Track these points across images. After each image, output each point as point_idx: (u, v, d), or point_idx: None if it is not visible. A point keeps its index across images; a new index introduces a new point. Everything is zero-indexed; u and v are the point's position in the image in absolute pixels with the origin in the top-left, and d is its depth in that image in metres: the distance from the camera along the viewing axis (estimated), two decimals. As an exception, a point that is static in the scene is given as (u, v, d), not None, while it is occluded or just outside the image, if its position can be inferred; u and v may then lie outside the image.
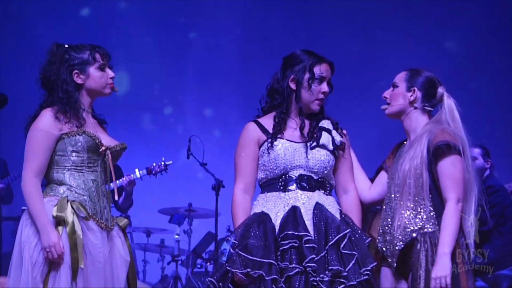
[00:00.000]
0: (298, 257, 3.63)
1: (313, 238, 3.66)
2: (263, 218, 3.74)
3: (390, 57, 8.62)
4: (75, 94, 3.86)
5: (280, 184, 3.82)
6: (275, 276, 3.59)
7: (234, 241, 3.68)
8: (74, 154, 3.80)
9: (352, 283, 3.61)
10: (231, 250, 3.69)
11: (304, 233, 3.65)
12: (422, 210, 3.74)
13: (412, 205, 3.75)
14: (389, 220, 3.83)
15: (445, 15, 8.82)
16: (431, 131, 3.77)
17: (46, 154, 3.79)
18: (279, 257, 3.65)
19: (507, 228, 6.14)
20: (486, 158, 6.72)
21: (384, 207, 3.89)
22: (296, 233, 3.65)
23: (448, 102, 3.89)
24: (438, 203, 3.73)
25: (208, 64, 9.06)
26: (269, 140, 3.82)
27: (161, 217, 7.56)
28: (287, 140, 3.82)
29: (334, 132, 3.85)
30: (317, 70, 3.85)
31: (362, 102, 8.73)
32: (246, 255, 3.62)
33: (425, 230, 3.72)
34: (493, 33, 8.71)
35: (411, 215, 3.75)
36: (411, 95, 3.87)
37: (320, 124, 3.86)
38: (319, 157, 3.80)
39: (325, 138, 3.82)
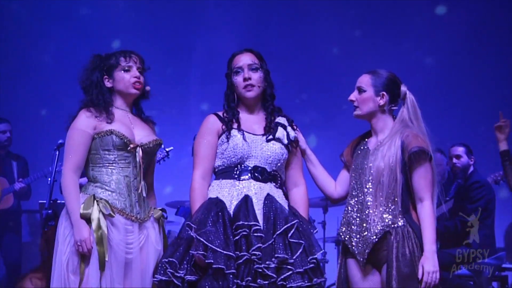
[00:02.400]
0: (246, 245, 3.72)
1: (261, 227, 3.74)
2: (220, 205, 3.81)
3: (385, 58, 8.73)
4: (105, 96, 4.03)
5: (235, 172, 3.91)
6: (233, 271, 3.68)
7: (193, 225, 3.74)
8: (105, 152, 3.98)
9: (298, 270, 3.70)
10: (191, 233, 3.75)
11: (254, 223, 3.74)
12: (393, 206, 3.86)
13: (384, 202, 3.86)
14: (355, 212, 3.93)
15: (428, 17, 8.91)
16: (402, 133, 3.89)
17: (82, 151, 3.97)
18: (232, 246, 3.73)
19: (490, 221, 6.28)
20: (470, 156, 6.89)
21: (348, 199, 4.00)
22: (246, 223, 3.74)
23: (411, 99, 3.98)
24: (406, 201, 3.87)
25: (210, 67, 9.10)
26: (228, 129, 3.93)
27: (168, 210, 7.29)
28: (246, 132, 3.93)
29: (289, 128, 3.95)
30: (234, 64, 4.02)
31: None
32: (206, 243, 3.68)
33: (396, 224, 3.84)
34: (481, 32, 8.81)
35: (383, 210, 3.86)
36: (380, 99, 3.97)
37: (277, 120, 3.95)
38: (274, 149, 3.91)
39: (280, 133, 3.93)
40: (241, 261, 3.69)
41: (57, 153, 5.75)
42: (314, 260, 3.75)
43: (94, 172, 4.01)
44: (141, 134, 4.05)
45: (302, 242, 3.75)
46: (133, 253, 3.92)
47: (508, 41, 8.59)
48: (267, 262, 3.68)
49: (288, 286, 3.68)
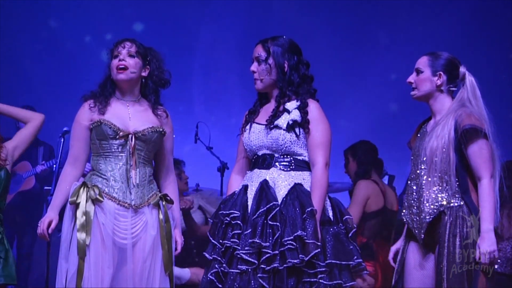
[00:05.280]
0: (231, 233, 3.76)
1: (238, 215, 3.75)
2: (224, 201, 3.92)
3: (382, 51, 8.80)
4: (105, 88, 4.06)
5: (251, 163, 3.98)
6: (215, 256, 3.76)
7: (210, 220, 3.99)
8: (101, 142, 3.98)
9: (275, 252, 3.66)
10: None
11: (231, 211, 3.77)
12: (448, 186, 3.78)
13: (438, 181, 3.79)
14: (415, 194, 3.87)
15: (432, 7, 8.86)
16: (456, 112, 3.82)
17: (79, 143, 4.02)
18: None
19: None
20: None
21: (409, 182, 3.94)
22: (225, 212, 3.79)
23: (470, 80, 3.91)
24: (464, 181, 3.79)
25: (214, 57, 9.17)
26: (245, 124, 4.01)
27: (171, 196, 7.62)
28: (256, 123, 3.95)
29: (293, 111, 3.89)
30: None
31: (356, 89, 8.88)
32: (208, 235, 3.87)
33: (451, 204, 3.76)
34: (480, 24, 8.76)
35: (438, 190, 3.79)
36: (438, 79, 3.91)
37: (286, 106, 3.91)
38: (275, 136, 3.87)
39: (282, 118, 3.88)
40: (223, 248, 3.75)
41: (62, 140, 5.75)
42: (290, 242, 3.67)
43: (93, 161, 4.04)
44: (138, 123, 4.02)
45: (278, 224, 3.70)
46: (127, 239, 3.91)
47: (507, 35, 8.54)
48: (246, 248, 3.69)
49: (266, 269, 3.67)
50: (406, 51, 8.38)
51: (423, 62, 3.95)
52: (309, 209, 3.72)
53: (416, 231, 3.85)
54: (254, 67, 3.97)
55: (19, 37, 9.02)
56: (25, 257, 7.43)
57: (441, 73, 3.91)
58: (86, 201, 3.89)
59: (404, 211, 3.94)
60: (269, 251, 3.67)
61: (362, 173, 5.79)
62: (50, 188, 5.89)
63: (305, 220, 3.72)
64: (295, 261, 3.65)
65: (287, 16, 9.11)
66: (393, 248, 4.09)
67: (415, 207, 3.86)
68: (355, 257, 3.80)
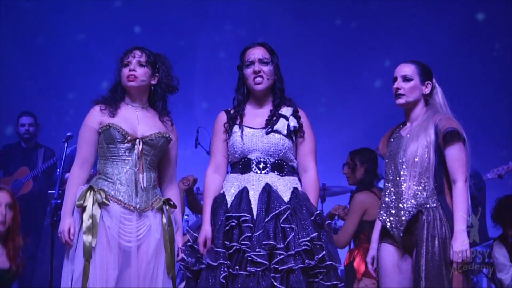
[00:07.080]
0: (238, 235, 3.79)
1: (249, 218, 3.79)
2: (219, 203, 3.92)
3: (382, 53, 8.84)
4: (116, 92, 4.13)
5: (239, 166, 3.97)
6: (221, 261, 3.75)
7: (194, 234, 3.94)
8: (109, 145, 4.04)
9: (290, 253, 3.72)
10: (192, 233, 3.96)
11: (242, 214, 3.80)
12: (426, 187, 3.87)
13: (417, 182, 3.88)
14: (393, 195, 3.96)
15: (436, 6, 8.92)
16: (433, 117, 3.93)
17: (87, 146, 4.07)
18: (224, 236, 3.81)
19: (480, 209, 6.29)
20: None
21: (386, 184, 4.03)
22: (234, 215, 3.81)
23: (440, 90, 4.05)
24: (441, 183, 3.89)
25: (214, 61, 9.22)
26: (230, 126, 4.01)
27: (173, 200, 7.64)
28: (246, 126, 3.99)
29: (291, 118, 3.96)
30: (245, 57, 4.05)
31: (354, 94, 8.94)
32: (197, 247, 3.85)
33: (428, 205, 3.86)
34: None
35: (416, 190, 3.88)
36: (425, 88, 4.02)
37: (280, 112, 3.98)
38: (273, 141, 3.94)
39: (281, 124, 3.94)
40: (231, 251, 3.77)
41: (66, 145, 5.82)
42: (306, 243, 3.76)
43: (100, 164, 4.10)
44: (145, 128, 4.09)
45: (294, 226, 3.78)
46: (132, 242, 3.97)
47: (500, 39, 8.59)
48: (257, 250, 3.73)
49: (280, 268, 3.72)
50: (403, 57, 8.45)
51: (411, 70, 4.03)
52: (317, 212, 3.82)
53: (395, 231, 3.93)
54: (258, 67, 4.02)
55: (17, 42, 9.04)
56: (29, 259, 7.50)
57: (429, 82, 4.01)
58: (93, 205, 3.94)
59: (381, 212, 4.00)
60: (283, 252, 3.72)
61: (368, 182, 5.84)
62: (54, 192, 5.97)
63: (313, 222, 3.82)
64: (312, 262, 3.74)
65: (285, 22, 9.13)
66: (369, 258, 4.14)
67: (393, 208, 3.93)
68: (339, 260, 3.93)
